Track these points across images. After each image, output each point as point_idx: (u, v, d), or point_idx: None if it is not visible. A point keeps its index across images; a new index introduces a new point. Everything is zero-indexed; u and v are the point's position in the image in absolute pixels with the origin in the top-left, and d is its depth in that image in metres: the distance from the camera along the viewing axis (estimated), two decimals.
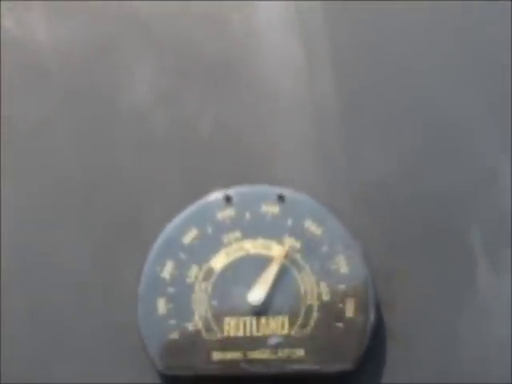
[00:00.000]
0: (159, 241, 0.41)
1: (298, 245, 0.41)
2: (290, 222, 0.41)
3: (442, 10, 0.46)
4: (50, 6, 0.47)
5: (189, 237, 0.41)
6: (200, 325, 0.40)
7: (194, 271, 0.40)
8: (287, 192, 0.42)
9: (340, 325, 0.39)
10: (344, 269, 0.40)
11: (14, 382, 0.41)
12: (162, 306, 0.40)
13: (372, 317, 0.40)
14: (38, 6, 0.47)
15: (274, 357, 0.39)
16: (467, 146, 0.45)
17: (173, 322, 0.40)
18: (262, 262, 0.40)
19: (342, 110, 0.45)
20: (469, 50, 0.46)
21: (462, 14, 0.46)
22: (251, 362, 0.39)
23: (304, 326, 0.39)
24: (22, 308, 0.43)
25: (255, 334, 0.39)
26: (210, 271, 0.40)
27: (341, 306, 0.40)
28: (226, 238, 0.41)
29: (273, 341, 0.39)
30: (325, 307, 0.40)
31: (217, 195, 0.42)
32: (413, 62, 0.46)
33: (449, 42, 0.46)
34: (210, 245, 0.41)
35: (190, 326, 0.40)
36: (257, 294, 0.40)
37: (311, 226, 0.41)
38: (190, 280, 0.40)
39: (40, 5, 0.47)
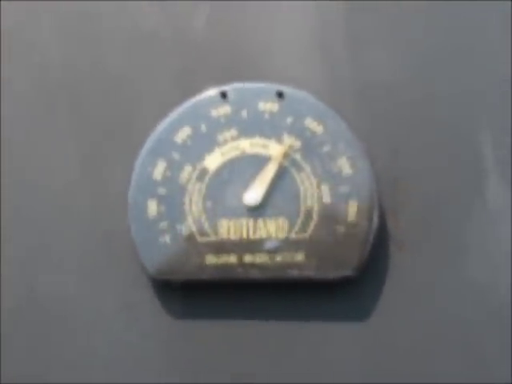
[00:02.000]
0: (150, 140, 0.39)
1: (297, 144, 0.38)
2: (289, 119, 0.38)
3: None
4: None
5: (181, 135, 0.38)
6: (193, 227, 0.37)
7: (186, 171, 0.38)
8: (287, 89, 0.39)
9: (341, 229, 0.37)
10: (347, 170, 0.38)
11: None
12: (152, 208, 0.38)
13: (375, 221, 0.37)
14: None
15: (271, 261, 0.37)
16: (481, 45, 0.41)
17: (164, 224, 0.38)
18: (259, 162, 0.38)
19: (346, 4, 0.41)
20: None
21: None
22: (247, 266, 0.37)
23: (303, 229, 0.37)
24: (9, 209, 0.40)
25: (251, 236, 0.37)
26: (203, 171, 0.38)
27: (343, 209, 0.37)
28: (221, 137, 0.38)
29: (270, 244, 0.37)
30: (326, 210, 0.37)
31: (211, 91, 0.39)
32: None
33: None
34: (204, 144, 0.38)
35: (183, 229, 0.37)
36: (253, 195, 0.37)
37: (312, 124, 0.38)
38: (182, 181, 0.38)
39: None
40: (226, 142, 0.38)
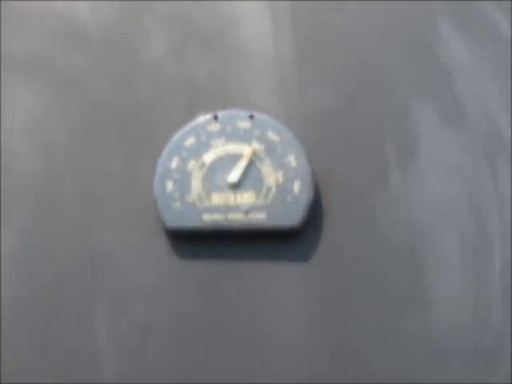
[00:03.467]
0: (168, 145, 0.61)
1: (262, 147, 0.60)
2: (256, 132, 0.61)
3: None
4: None
5: (188, 142, 0.61)
6: (195, 197, 0.59)
7: (191, 163, 0.60)
8: (256, 113, 0.62)
9: (289, 198, 0.59)
10: (293, 163, 0.60)
11: None
12: (169, 186, 0.59)
13: (312, 194, 0.59)
14: None
15: (244, 218, 0.58)
16: (385, 86, 0.65)
17: (176, 195, 0.59)
18: (237, 157, 0.60)
19: (299, 61, 0.66)
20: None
21: None
22: (229, 220, 0.58)
23: (265, 197, 0.59)
24: (69, 190, 0.62)
25: (232, 203, 0.59)
26: (203, 164, 0.60)
27: (290, 186, 0.59)
28: (213, 143, 0.61)
29: (244, 207, 0.59)
30: (279, 187, 0.59)
31: (208, 116, 0.62)
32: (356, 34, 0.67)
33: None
34: (203, 147, 0.61)
35: (189, 198, 0.59)
36: (234, 176, 0.59)
37: (272, 135, 0.61)
38: (189, 169, 0.60)
39: None
40: (216, 146, 0.61)
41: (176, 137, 0.61)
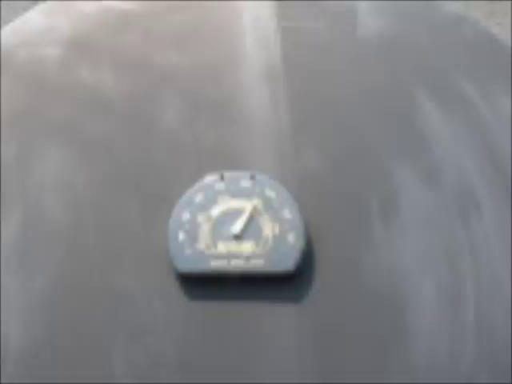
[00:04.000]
0: (180, 201, 0.71)
1: (261, 203, 0.70)
2: (257, 190, 0.71)
3: None
4: None
5: (198, 197, 0.70)
6: (203, 246, 0.68)
7: (200, 217, 0.69)
8: (257, 175, 0.72)
9: (285, 246, 0.68)
10: (288, 216, 0.69)
11: None
12: (181, 235, 0.69)
13: (304, 243, 0.68)
14: None
15: (245, 264, 0.67)
16: (370, 150, 0.75)
17: (187, 244, 0.68)
18: (240, 211, 0.69)
19: (294, 128, 0.76)
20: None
21: None
22: (233, 266, 0.67)
23: (263, 246, 0.68)
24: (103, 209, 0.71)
25: (235, 251, 0.68)
26: (210, 217, 0.70)
27: (285, 236, 0.68)
28: (220, 199, 0.70)
29: (245, 255, 0.68)
30: (276, 237, 0.68)
31: (215, 175, 0.72)
32: (344, 105, 0.78)
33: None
34: (210, 202, 0.70)
35: (198, 247, 0.68)
36: (236, 228, 0.68)
37: (270, 193, 0.70)
38: (198, 221, 0.69)
39: None
40: (222, 202, 0.70)
41: (187, 194, 0.71)
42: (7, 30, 0.90)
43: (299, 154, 0.75)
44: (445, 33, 0.90)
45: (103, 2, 0.91)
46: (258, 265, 0.67)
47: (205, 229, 0.69)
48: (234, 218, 0.69)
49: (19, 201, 0.73)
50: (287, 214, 0.69)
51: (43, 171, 0.75)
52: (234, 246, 0.68)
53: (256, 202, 0.70)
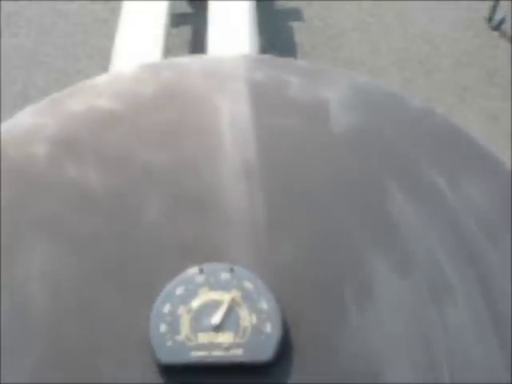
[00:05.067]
0: (162, 293, 0.74)
1: (239, 294, 0.73)
2: (235, 281, 0.74)
3: None
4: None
5: (179, 290, 0.74)
6: (184, 337, 0.71)
7: (181, 308, 0.72)
8: (235, 267, 0.75)
9: (263, 336, 0.71)
10: (265, 307, 0.72)
11: None
12: (163, 327, 0.72)
13: (281, 332, 0.71)
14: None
15: (225, 354, 0.70)
16: (344, 240, 0.79)
17: (168, 335, 0.71)
18: (219, 303, 0.73)
19: (270, 221, 0.80)
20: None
21: None
22: (213, 356, 0.70)
23: (242, 336, 0.71)
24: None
25: (215, 341, 0.70)
26: (190, 308, 0.73)
27: (263, 326, 0.71)
28: (199, 291, 0.74)
29: (225, 345, 0.70)
30: (254, 327, 0.71)
31: (195, 269, 0.75)
32: (318, 196, 0.82)
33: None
34: (191, 294, 0.73)
35: (179, 338, 0.71)
36: (216, 319, 0.71)
37: (247, 284, 0.74)
38: (179, 313, 0.72)
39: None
40: (202, 293, 0.73)
41: (168, 286, 0.74)
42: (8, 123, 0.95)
43: (275, 246, 0.79)
44: (413, 126, 0.95)
45: (89, 102, 0.96)
46: (238, 354, 0.70)
47: (185, 320, 0.72)
48: (213, 310, 0.72)
49: (5, 290, 0.76)
50: (264, 304, 0.73)
51: (29, 262, 0.79)
52: (213, 337, 0.71)
53: (234, 293, 0.73)
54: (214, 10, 2.23)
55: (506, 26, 2.93)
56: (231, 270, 0.75)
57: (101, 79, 1.01)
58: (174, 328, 0.71)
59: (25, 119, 0.96)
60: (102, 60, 2.58)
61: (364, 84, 1.00)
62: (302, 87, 0.98)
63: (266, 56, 1.07)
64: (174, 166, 0.87)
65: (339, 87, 0.98)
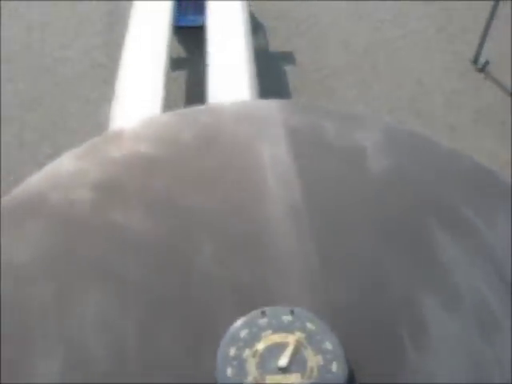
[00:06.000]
0: (227, 337, 0.75)
1: (303, 335, 0.74)
2: (297, 323, 0.75)
3: None
4: None
5: (243, 333, 0.75)
6: (251, 379, 0.71)
7: (247, 351, 0.73)
8: (295, 309, 0.76)
9: (329, 376, 0.72)
10: (330, 347, 0.74)
11: None
12: (229, 371, 0.72)
13: (346, 371, 0.72)
14: None
15: None
16: (395, 281, 0.81)
17: (236, 379, 0.72)
18: (283, 345, 0.74)
19: (321, 260, 0.82)
20: None
21: None
22: None
23: (310, 377, 0.72)
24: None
25: (284, 382, 0.71)
26: (256, 351, 0.73)
27: (329, 366, 0.72)
28: (263, 334, 0.75)
29: None
30: (320, 368, 0.72)
31: (257, 311, 0.76)
32: (367, 237, 0.84)
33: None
34: (255, 337, 0.74)
35: (246, 381, 0.71)
36: (283, 361, 0.72)
37: (310, 326, 0.75)
38: (245, 356, 0.73)
39: None
40: (266, 336, 0.74)
41: (232, 329, 0.75)
42: (40, 174, 0.96)
43: (330, 287, 0.80)
44: (446, 168, 0.98)
45: (130, 147, 0.98)
46: None
47: (252, 363, 0.73)
48: (278, 352, 0.73)
49: (60, 341, 0.76)
50: (328, 344, 0.74)
51: (83, 312, 0.79)
52: (282, 379, 0.71)
53: (298, 335, 0.74)
54: (212, 54, 2.27)
55: (490, 68, 3.03)
56: (292, 312, 0.76)
57: (138, 124, 1.03)
58: (242, 371, 0.72)
59: (66, 164, 0.97)
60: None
61: (396, 128, 1.03)
62: (337, 131, 1.01)
63: (299, 101, 1.10)
64: (222, 210, 0.89)
65: (373, 131, 1.02)
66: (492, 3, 2.89)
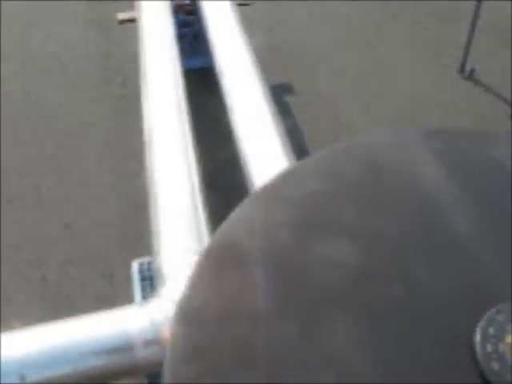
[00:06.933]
0: (477, 333, 0.83)
1: None
2: None
3: None
4: None
5: (491, 330, 0.84)
6: None
7: (501, 346, 0.82)
8: None
9: None
10: None
11: None
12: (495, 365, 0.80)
13: None
14: None
15: None
16: None
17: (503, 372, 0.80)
18: None
19: None
20: None
21: None
22: None
23: None
24: None
25: None
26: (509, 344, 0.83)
27: None
28: (507, 328, 0.84)
29: None
30: None
31: (493, 310, 0.85)
32: None
33: None
34: (502, 332, 0.83)
35: None
36: None
37: None
38: (501, 350, 0.82)
39: None
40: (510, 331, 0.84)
41: (480, 328, 0.83)
42: (230, 221, 1.01)
43: None
44: None
45: (305, 186, 1.05)
46: None
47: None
48: None
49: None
50: None
51: (333, 341, 0.83)
52: None
53: None
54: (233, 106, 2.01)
55: (476, 75, 3.23)
56: None
57: (302, 164, 1.11)
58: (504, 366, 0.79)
59: (253, 206, 1.03)
60: None
61: None
62: (475, 149, 1.11)
63: (436, 128, 1.19)
64: (428, 238, 0.96)
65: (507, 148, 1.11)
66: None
